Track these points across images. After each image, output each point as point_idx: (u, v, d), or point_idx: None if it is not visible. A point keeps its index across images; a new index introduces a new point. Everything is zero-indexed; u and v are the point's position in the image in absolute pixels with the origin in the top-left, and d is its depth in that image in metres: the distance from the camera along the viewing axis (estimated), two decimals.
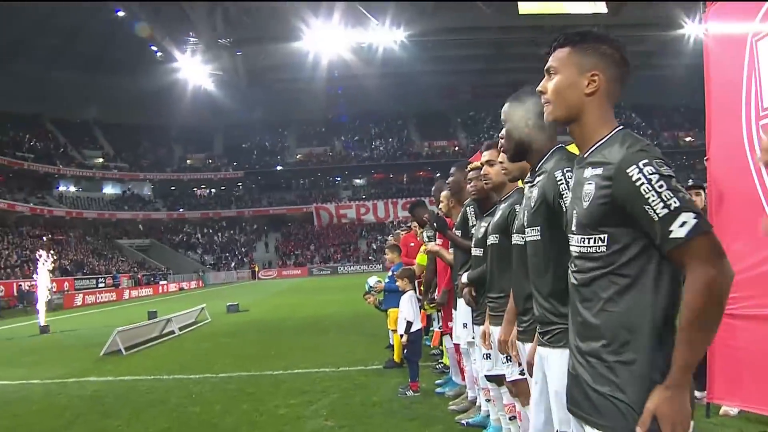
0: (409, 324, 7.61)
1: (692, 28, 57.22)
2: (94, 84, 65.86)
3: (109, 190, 69.85)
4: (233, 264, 67.56)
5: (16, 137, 60.89)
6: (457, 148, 79.04)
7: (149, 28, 52.56)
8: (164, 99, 64.07)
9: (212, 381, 9.09)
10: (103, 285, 46.18)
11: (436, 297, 7.36)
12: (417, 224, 9.13)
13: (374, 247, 70.38)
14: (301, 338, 13.64)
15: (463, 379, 6.88)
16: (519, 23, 56.62)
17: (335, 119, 77.95)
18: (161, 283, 50.55)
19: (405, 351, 7.83)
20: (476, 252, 4.90)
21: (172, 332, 15.32)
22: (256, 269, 64.11)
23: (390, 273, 9.12)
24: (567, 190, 2.79)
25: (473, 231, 5.18)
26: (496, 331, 4.20)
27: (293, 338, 13.76)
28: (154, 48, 55.19)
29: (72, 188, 66.13)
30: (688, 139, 73.43)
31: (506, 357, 4.08)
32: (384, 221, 73.87)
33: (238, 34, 56.24)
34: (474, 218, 5.45)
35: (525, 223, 3.13)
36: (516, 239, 3.48)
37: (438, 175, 78.93)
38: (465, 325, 5.54)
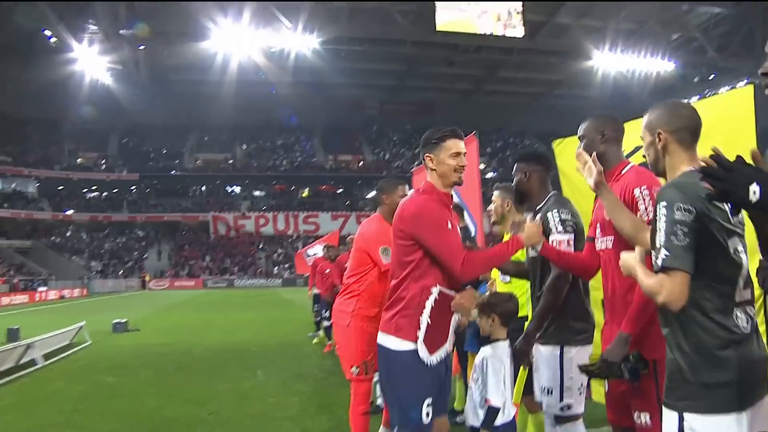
0: (494, 412, 3.68)
1: (600, 61, 56.21)
2: None
3: None
4: (122, 272, 61.35)
5: None
6: (362, 163, 75.80)
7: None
8: (57, 91, 56.89)
9: None
10: None
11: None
12: (501, 201, 4.93)
13: (273, 260, 65.96)
14: (222, 381, 9.22)
15: None
16: (434, 40, 53.64)
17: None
18: (40, 289, 44.16)
19: None
20: None
21: (34, 362, 10.64)
22: (147, 278, 58.47)
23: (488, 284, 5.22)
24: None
25: None
26: None
27: (209, 380, 9.35)
28: (48, 33, 48.65)
29: None
30: None
31: None
32: (284, 234, 69.66)
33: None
34: None
35: None
36: None
37: (341, 190, 75.61)
38: None
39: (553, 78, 65.96)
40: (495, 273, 5.02)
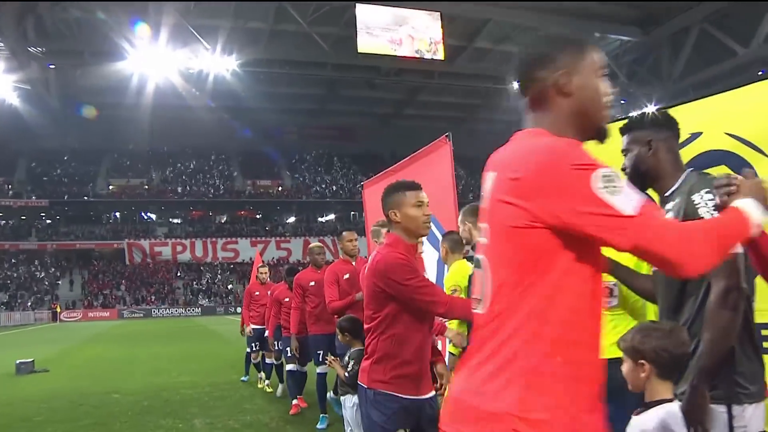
0: None
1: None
2: None
3: None
4: (30, 303, 57.13)
5: None
6: (281, 188, 73.80)
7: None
8: None
9: None
10: None
11: None
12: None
13: (191, 288, 62.97)
14: None
15: None
16: (356, 62, 52.55)
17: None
18: None
19: None
20: None
21: None
22: (58, 310, 54.62)
23: None
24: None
25: None
26: None
27: None
28: None
29: None
30: None
31: None
32: (202, 261, 66.79)
33: (52, 45, 47.37)
34: None
35: None
36: None
37: (260, 216, 73.28)
38: None
39: (472, 102, 66.04)
40: None
